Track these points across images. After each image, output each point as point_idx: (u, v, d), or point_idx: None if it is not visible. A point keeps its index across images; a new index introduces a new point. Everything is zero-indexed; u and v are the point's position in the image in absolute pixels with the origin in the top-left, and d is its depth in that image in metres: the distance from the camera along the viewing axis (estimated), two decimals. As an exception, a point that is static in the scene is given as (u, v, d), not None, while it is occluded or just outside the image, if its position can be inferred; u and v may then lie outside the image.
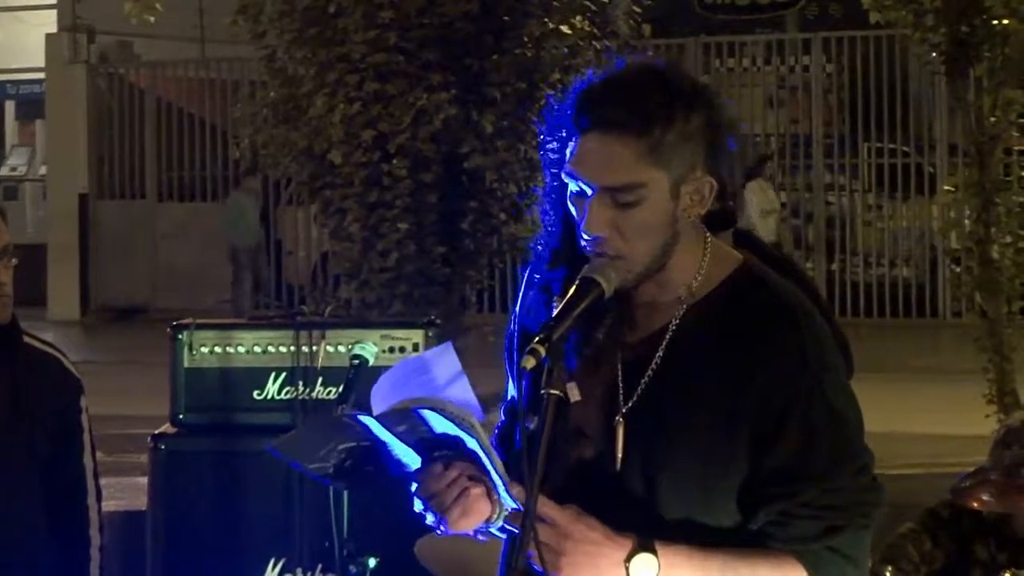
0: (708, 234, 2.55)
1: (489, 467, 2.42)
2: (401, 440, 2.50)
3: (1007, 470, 4.43)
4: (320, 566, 4.95)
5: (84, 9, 19.56)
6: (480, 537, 2.54)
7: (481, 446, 2.41)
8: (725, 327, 2.49)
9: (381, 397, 2.51)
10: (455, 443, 2.46)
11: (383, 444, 2.52)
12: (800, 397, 2.43)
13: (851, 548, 2.45)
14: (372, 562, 4.63)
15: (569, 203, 2.50)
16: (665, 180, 2.46)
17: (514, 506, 2.42)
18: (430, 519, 2.52)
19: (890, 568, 4.61)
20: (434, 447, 2.49)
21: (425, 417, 2.44)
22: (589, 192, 2.46)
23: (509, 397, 2.69)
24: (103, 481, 4.01)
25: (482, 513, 2.49)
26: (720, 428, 2.44)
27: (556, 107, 2.53)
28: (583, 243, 2.48)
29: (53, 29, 20.45)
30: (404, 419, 2.46)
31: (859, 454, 2.47)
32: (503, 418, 2.74)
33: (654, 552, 2.39)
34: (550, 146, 2.53)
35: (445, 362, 2.51)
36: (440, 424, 2.44)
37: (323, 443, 2.60)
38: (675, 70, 2.52)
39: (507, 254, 8.85)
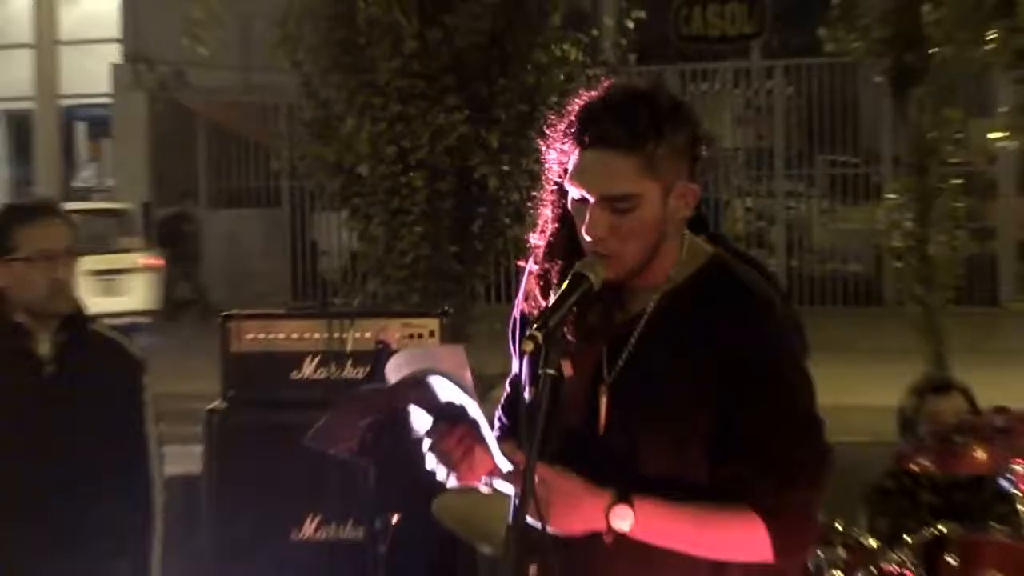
0: (686, 231, 2.56)
1: (485, 432, 2.44)
2: (414, 403, 2.51)
3: (941, 439, 4.47)
4: (350, 521, 4.96)
5: (144, 42, 19.57)
6: (484, 488, 2.54)
7: (479, 413, 2.43)
8: (695, 310, 2.49)
9: (395, 370, 2.52)
10: (458, 409, 2.47)
11: (404, 412, 2.54)
12: (758, 372, 2.43)
13: (803, 503, 2.45)
14: (395, 518, 4.64)
15: (571, 208, 2.50)
16: (657, 190, 2.45)
17: (507, 465, 2.43)
18: (441, 473, 2.52)
19: (871, 514, 4.69)
20: (440, 413, 2.50)
21: (433, 384, 2.45)
22: (590, 199, 2.46)
23: (513, 373, 2.71)
24: (165, 449, 4.03)
25: (486, 467, 2.49)
26: (689, 396, 2.44)
27: (558, 123, 2.51)
28: (584, 243, 2.48)
29: (118, 60, 20.46)
30: (415, 386, 2.47)
31: (811, 422, 2.47)
32: (507, 390, 2.75)
33: (630, 503, 2.40)
34: (552, 156, 2.52)
35: (454, 356, 2.50)
36: (446, 391, 2.45)
37: (346, 424, 2.62)
38: (663, 92, 2.51)
39: (511, 254, 8.84)
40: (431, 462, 2.52)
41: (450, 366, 2.46)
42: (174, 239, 18.47)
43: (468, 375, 2.47)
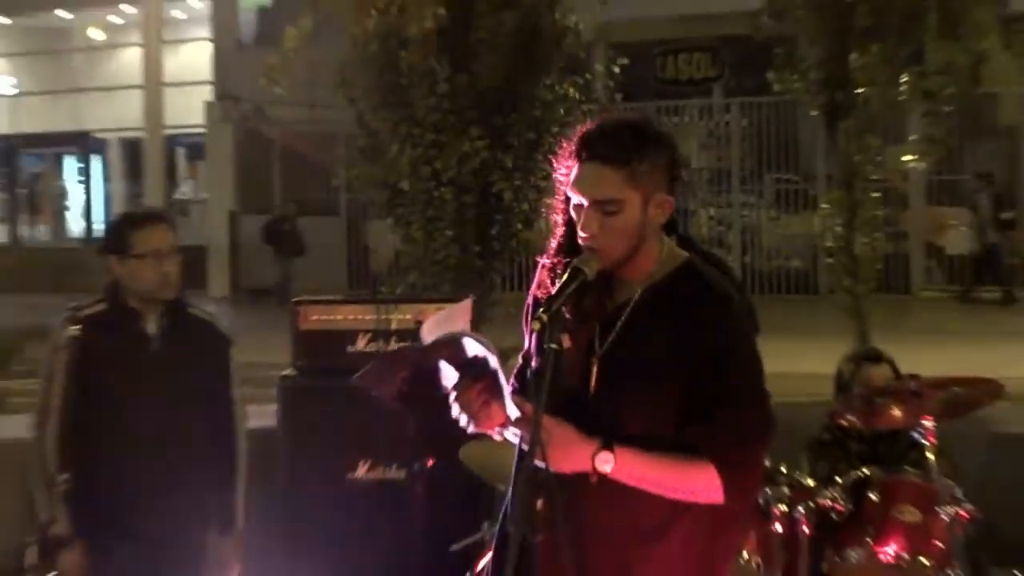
0: (665, 237, 2.56)
1: (501, 381, 2.43)
2: (444, 360, 2.50)
3: (865, 400, 4.47)
4: (394, 464, 4.96)
5: (231, 84, 19.59)
6: (497, 437, 2.54)
7: (498, 364, 2.43)
8: (670, 303, 2.49)
9: (428, 332, 2.51)
10: (481, 364, 2.46)
11: (435, 368, 2.53)
12: (718, 355, 2.43)
13: (750, 459, 2.45)
14: (429, 462, 4.63)
15: (571, 211, 2.52)
16: (638, 198, 2.46)
17: (515, 412, 2.42)
18: (462, 421, 2.51)
19: (810, 460, 4.68)
20: (465, 369, 2.49)
21: (463, 341, 2.45)
22: (585, 203, 2.47)
23: (525, 348, 2.71)
24: (247, 408, 4.03)
25: (500, 418, 2.48)
26: (664, 371, 2.44)
27: (565, 146, 2.53)
28: (579, 239, 2.49)
29: (210, 98, 20.49)
30: (447, 344, 2.46)
31: (759, 395, 2.47)
32: (520, 362, 2.74)
33: (612, 450, 2.40)
34: (562, 171, 2.53)
35: (464, 308, 2.54)
36: (473, 347, 2.44)
37: (389, 372, 2.62)
38: (648, 122, 2.52)
39: (522, 252, 8.83)
40: (455, 411, 2.52)
41: (465, 319, 2.46)
42: (276, 238, 18.65)
43: (469, 322, 2.47)
